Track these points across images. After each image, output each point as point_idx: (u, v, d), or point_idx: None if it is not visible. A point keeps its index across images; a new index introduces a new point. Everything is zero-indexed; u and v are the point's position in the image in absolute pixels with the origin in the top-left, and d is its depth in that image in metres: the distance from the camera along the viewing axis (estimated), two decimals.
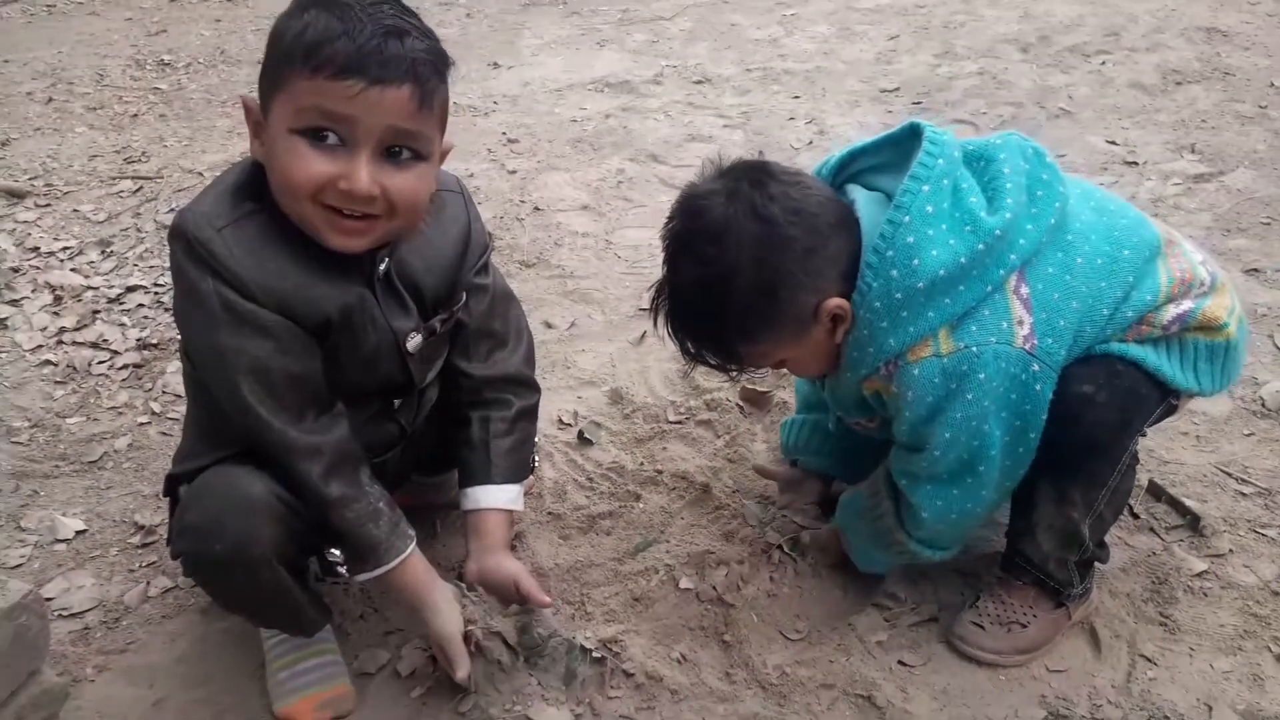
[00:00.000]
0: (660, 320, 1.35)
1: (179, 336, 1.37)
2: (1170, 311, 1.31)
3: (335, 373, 1.27)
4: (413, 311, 1.32)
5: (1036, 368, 1.24)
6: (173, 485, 1.32)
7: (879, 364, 1.28)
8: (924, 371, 1.24)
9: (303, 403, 1.23)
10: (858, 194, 1.31)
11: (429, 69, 1.13)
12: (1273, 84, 3.39)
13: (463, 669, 1.31)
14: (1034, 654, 1.41)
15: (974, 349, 1.23)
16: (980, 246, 1.21)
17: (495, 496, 1.41)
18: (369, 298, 1.26)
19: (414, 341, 1.33)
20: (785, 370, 1.51)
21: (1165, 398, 1.35)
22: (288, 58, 1.10)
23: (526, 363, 1.49)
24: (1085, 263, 1.27)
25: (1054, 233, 1.26)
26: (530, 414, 1.49)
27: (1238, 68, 3.56)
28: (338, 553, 1.26)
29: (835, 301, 1.26)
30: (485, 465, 1.42)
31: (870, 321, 1.26)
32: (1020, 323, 1.23)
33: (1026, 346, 1.23)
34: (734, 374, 1.41)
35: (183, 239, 1.16)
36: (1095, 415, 1.27)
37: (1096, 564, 1.45)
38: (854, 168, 1.35)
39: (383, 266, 1.26)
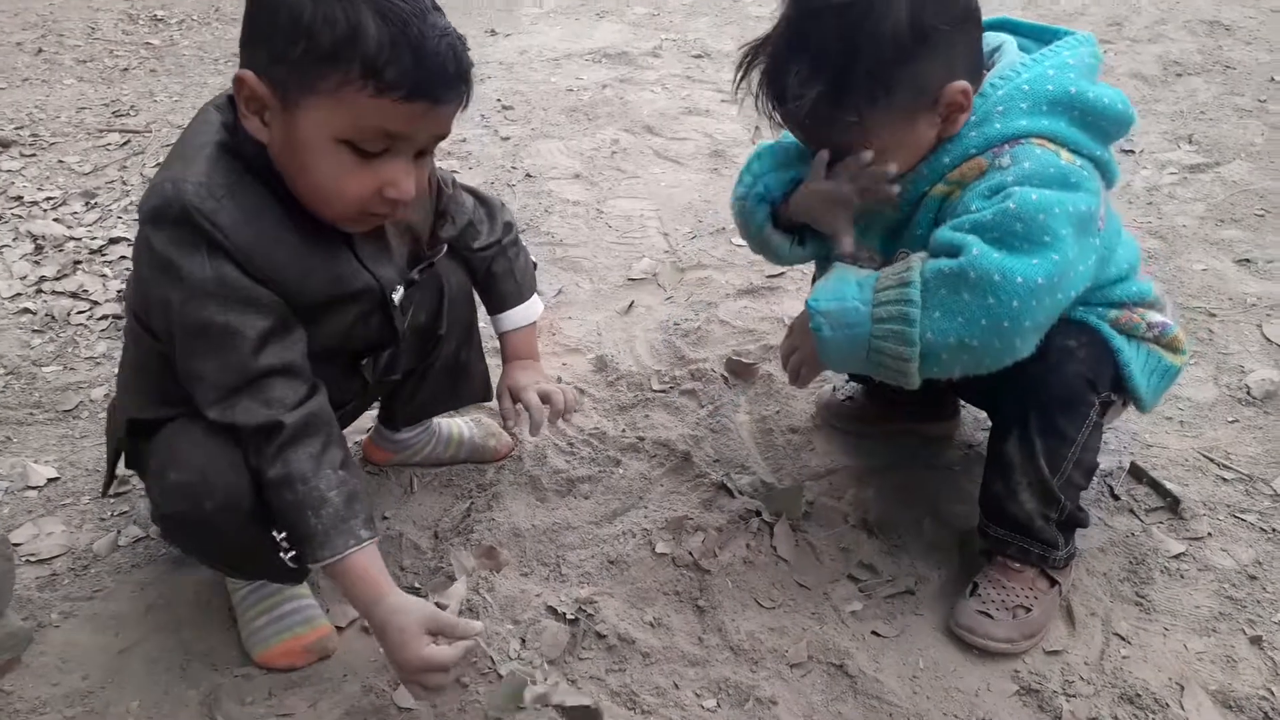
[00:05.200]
0: (760, 62, 1.25)
1: (136, 308, 1.25)
2: (1155, 316, 1.36)
3: (319, 338, 1.23)
4: (395, 260, 1.31)
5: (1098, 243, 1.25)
6: (133, 429, 1.26)
7: (999, 140, 1.22)
8: (1046, 155, 1.20)
9: (280, 386, 1.16)
10: (1004, 35, 1.33)
11: (471, 74, 1.12)
12: (1273, 79, 3.37)
13: (475, 625, 1.15)
14: (1038, 639, 1.38)
15: (1086, 173, 1.21)
16: (1132, 114, 1.25)
17: (526, 313, 1.56)
18: (354, 256, 1.24)
19: (398, 294, 1.32)
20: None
21: (1112, 391, 1.35)
22: (332, 60, 1.03)
23: (491, 198, 1.56)
24: (1117, 218, 1.36)
25: None
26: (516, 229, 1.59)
27: (1239, 61, 3.54)
28: (281, 536, 1.18)
29: (960, 85, 1.20)
30: (516, 289, 1.55)
31: (1009, 100, 1.22)
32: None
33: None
34: (830, 129, 1.23)
35: (180, 210, 1.07)
36: (1074, 367, 1.29)
37: (1079, 529, 1.44)
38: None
39: None
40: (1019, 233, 1.15)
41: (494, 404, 1.59)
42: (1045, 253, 1.15)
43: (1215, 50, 3.66)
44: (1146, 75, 3.46)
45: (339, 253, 1.23)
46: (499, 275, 1.54)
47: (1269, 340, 2.01)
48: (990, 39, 1.32)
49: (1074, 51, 1.27)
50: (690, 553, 1.52)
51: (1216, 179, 2.72)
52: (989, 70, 1.29)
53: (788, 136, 1.41)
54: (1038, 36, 1.34)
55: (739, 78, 1.25)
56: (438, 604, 1.37)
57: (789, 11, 1.23)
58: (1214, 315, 2.10)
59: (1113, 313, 1.33)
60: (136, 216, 1.16)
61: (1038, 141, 1.21)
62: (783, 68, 1.20)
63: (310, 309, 1.20)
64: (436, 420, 1.72)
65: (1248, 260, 2.31)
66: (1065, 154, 1.21)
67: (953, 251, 1.18)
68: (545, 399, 1.48)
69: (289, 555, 1.19)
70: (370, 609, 1.15)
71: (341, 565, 1.14)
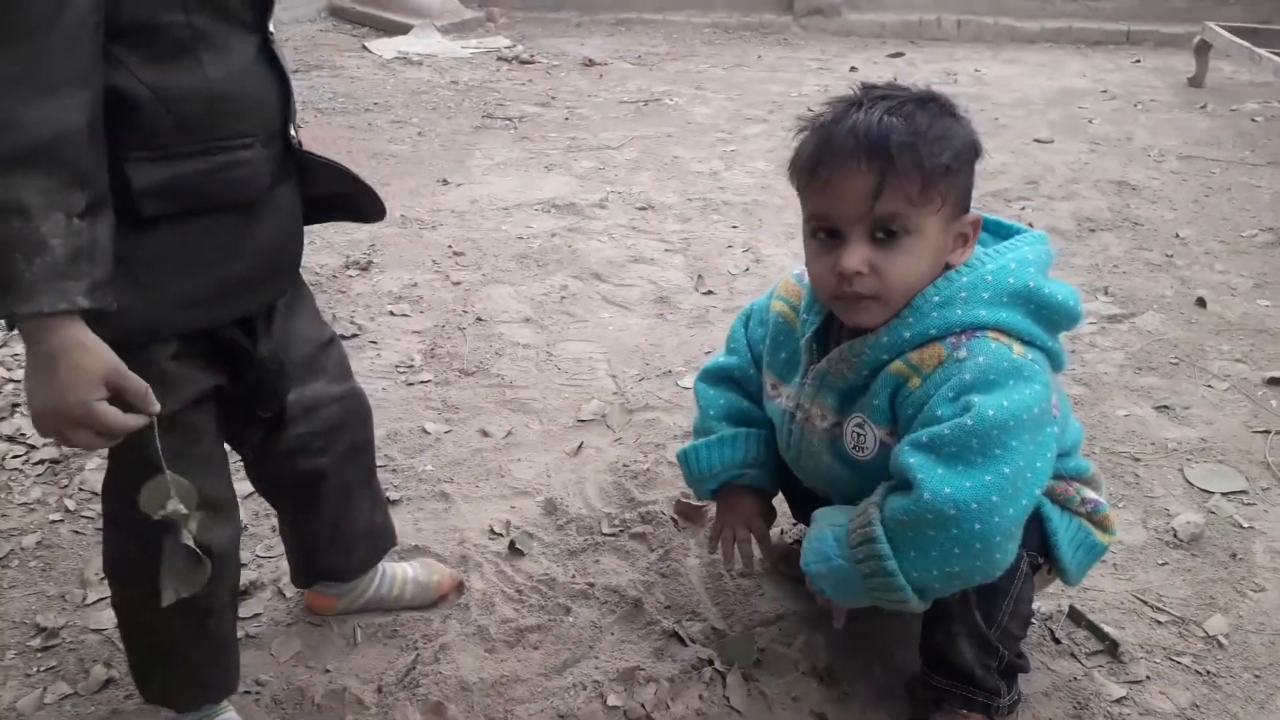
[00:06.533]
0: (832, 119, 1.30)
1: None
2: (1089, 493, 1.44)
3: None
4: None
5: (1055, 430, 1.31)
6: None
7: (958, 328, 1.28)
8: (1000, 350, 1.27)
9: (67, 55, 0.91)
10: None
11: None
12: (1178, 235, 3.63)
13: (153, 403, 1.01)
14: None
15: (1038, 366, 1.29)
16: (1080, 311, 1.33)
17: None
18: None
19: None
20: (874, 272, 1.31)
21: (1040, 554, 1.40)
22: None
23: None
24: (1067, 402, 1.43)
25: None
26: None
27: (1146, 218, 3.81)
28: None
29: (975, 216, 1.32)
30: None
31: (972, 288, 1.30)
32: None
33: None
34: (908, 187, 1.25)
35: None
36: None
37: (1020, 674, 1.46)
38: None
39: None
40: (974, 448, 1.21)
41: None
42: (997, 466, 1.21)
43: (1124, 208, 3.93)
44: (1063, 230, 3.70)
45: None
46: None
47: (1191, 484, 2.11)
48: None
49: (1034, 248, 1.36)
50: (643, 705, 1.50)
51: (1133, 329, 2.88)
52: None
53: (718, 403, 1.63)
54: (992, 230, 1.42)
55: (807, 138, 1.36)
56: None
57: (858, 100, 1.30)
58: (1139, 460, 2.19)
59: (1050, 482, 1.37)
60: None
61: (993, 335, 1.28)
62: (879, 111, 1.26)
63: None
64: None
65: (1166, 407, 2.43)
66: (1018, 347, 1.28)
67: (906, 484, 1.24)
68: None
69: None
70: (47, 337, 0.94)
71: (40, 324, 0.94)
